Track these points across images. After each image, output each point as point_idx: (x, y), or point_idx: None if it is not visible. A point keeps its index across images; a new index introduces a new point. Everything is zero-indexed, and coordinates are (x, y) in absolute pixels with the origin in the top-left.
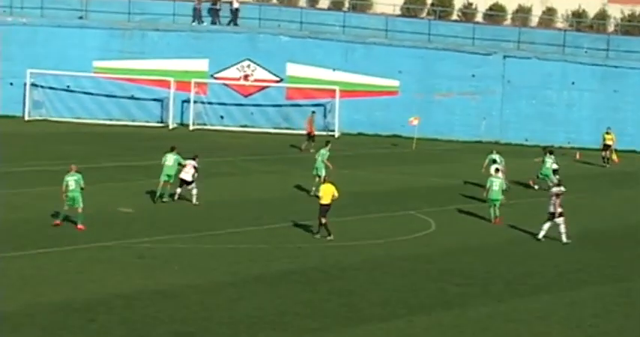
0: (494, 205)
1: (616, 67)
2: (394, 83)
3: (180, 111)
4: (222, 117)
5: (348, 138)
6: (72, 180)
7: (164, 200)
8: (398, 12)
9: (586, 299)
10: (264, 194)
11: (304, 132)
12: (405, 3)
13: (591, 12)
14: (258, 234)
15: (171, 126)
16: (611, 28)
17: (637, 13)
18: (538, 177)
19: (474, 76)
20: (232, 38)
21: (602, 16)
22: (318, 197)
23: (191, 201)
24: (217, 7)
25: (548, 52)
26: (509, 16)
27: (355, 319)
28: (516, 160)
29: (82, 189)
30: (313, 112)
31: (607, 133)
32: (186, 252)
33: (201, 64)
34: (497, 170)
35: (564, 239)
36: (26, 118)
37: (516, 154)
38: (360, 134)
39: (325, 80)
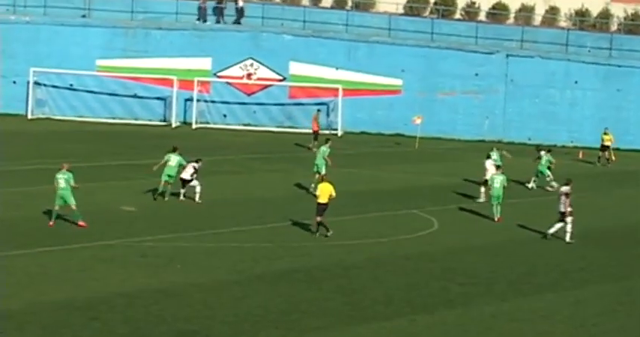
0: (497, 203)
1: (619, 66)
2: (397, 82)
3: (183, 109)
4: (225, 115)
5: (351, 137)
6: (62, 179)
7: (165, 199)
8: (401, 11)
9: (589, 298)
10: (267, 193)
11: (310, 131)
12: (408, 2)
13: (594, 11)
14: (262, 232)
15: (174, 125)
16: (614, 27)
17: None
18: (538, 175)
19: (477, 74)
20: (235, 37)
21: (605, 15)
22: (315, 196)
23: (194, 199)
24: (223, 5)
25: (551, 51)
26: (512, 15)
27: (358, 317)
28: (519, 159)
29: (72, 187)
30: (318, 111)
31: (605, 134)
32: (189, 250)
33: (204, 63)
34: (498, 167)
35: (568, 238)
36: (29, 117)
37: (519, 153)
38: (362, 133)
39: (328, 79)
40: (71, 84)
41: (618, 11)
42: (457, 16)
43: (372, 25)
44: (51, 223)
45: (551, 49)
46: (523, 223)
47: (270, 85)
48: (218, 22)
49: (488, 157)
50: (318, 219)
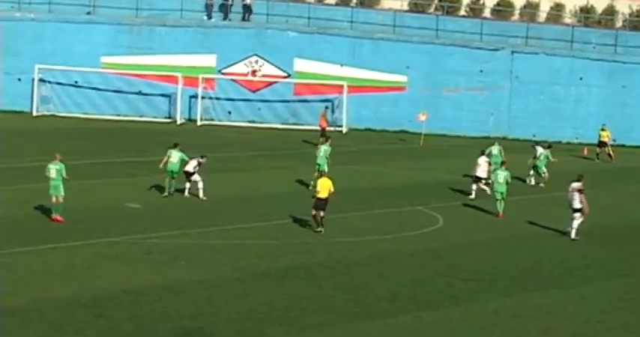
0: (501, 198)
1: (624, 62)
2: (402, 79)
3: (188, 106)
4: (229, 112)
5: (356, 134)
6: (53, 169)
7: (164, 194)
8: (406, 7)
9: (593, 295)
10: (271, 190)
11: (318, 128)
12: None
13: (599, 7)
14: (266, 229)
15: (179, 122)
16: (619, 24)
17: None
18: (537, 171)
19: (481, 71)
20: (240, 34)
21: (610, 11)
22: (315, 193)
23: (198, 195)
24: (229, 2)
25: (556, 48)
26: (517, 12)
27: (362, 314)
28: (524, 156)
29: (64, 178)
30: (326, 108)
31: (602, 130)
32: (194, 247)
33: (209, 60)
34: (502, 163)
35: (573, 235)
36: (34, 114)
37: (524, 150)
38: (367, 129)
39: (333, 76)
40: (76, 82)
41: (623, 8)
42: (462, 12)
43: (376, 21)
44: (55, 217)
45: (556, 45)
46: (527, 219)
47: (275, 82)
48: (224, 18)
49: (482, 154)
50: (314, 212)
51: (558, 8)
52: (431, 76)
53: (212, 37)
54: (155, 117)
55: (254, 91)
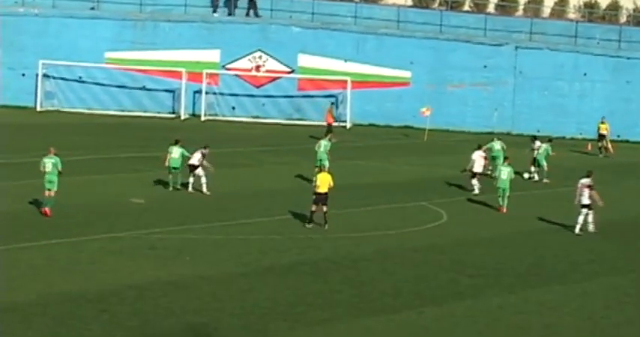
0: (504, 194)
1: (628, 58)
2: (406, 74)
3: (192, 102)
4: (233, 108)
5: (360, 129)
6: (49, 163)
7: (170, 188)
8: (409, 3)
9: (597, 290)
10: (275, 185)
11: (324, 123)
12: None
13: (603, 3)
14: (270, 224)
15: (182, 117)
16: (623, 19)
17: None
18: (539, 165)
19: (485, 67)
20: (244, 29)
21: (614, 7)
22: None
23: (201, 190)
24: None
25: (560, 43)
26: (521, 7)
27: (367, 310)
28: (526, 151)
29: (59, 172)
30: (332, 104)
31: (602, 123)
32: (198, 242)
33: (213, 55)
34: (505, 158)
35: (577, 230)
36: (38, 109)
37: (527, 145)
38: (371, 125)
39: (337, 71)
40: (80, 77)
41: (627, 3)
42: (466, 8)
43: (380, 17)
44: (44, 210)
45: (560, 41)
46: (530, 215)
47: (279, 77)
48: (230, 14)
49: (479, 148)
50: (314, 207)
51: (562, 3)
52: (435, 71)
53: (216, 32)
54: (159, 113)
55: (258, 87)
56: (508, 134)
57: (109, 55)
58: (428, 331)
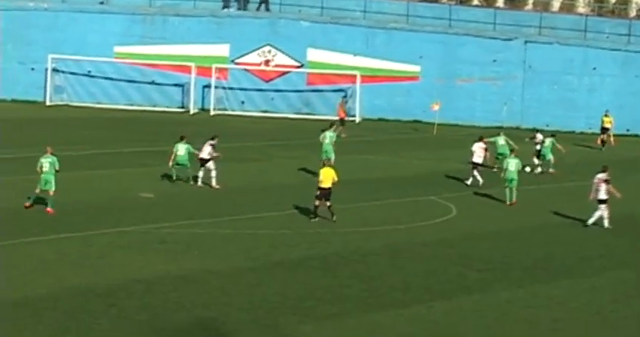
0: (511, 187)
1: (637, 52)
2: (415, 68)
3: (201, 96)
4: (243, 102)
5: (369, 124)
6: (47, 162)
7: (174, 179)
8: None
9: (605, 285)
10: (284, 179)
11: (336, 117)
12: None
13: None
14: (279, 219)
15: (192, 112)
16: (632, 13)
17: None
18: (544, 159)
19: (495, 61)
20: (253, 23)
21: (623, 1)
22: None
23: (210, 184)
24: None
25: (570, 38)
26: (530, 1)
27: (376, 304)
28: (532, 146)
29: (56, 171)
30: (343, 98)
31: (605, 116)
32: (207, 237)
33: (222, 49)
34: (512, 151)
35: (589, 221)
36: (47, 103)
37: (530, 141)
38: (380, 119)
39: (346, 65)
40: (89, 71)
41: None
42: (475, 2)
43: (389, 11)
44: (27, 204)
45: (570, 35)
46: (539, 209)
47: (288, 72)
48: (240, 8)
49: (480, 140)
50: (317, 202)
51: None
52: (444, 65)
53: (225, 26)
54: (168, 107)
55: (267, 81)
56: (517, 128)
57: (118, 49)
58: (437, 325)
